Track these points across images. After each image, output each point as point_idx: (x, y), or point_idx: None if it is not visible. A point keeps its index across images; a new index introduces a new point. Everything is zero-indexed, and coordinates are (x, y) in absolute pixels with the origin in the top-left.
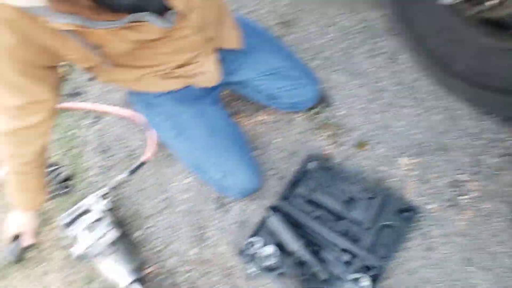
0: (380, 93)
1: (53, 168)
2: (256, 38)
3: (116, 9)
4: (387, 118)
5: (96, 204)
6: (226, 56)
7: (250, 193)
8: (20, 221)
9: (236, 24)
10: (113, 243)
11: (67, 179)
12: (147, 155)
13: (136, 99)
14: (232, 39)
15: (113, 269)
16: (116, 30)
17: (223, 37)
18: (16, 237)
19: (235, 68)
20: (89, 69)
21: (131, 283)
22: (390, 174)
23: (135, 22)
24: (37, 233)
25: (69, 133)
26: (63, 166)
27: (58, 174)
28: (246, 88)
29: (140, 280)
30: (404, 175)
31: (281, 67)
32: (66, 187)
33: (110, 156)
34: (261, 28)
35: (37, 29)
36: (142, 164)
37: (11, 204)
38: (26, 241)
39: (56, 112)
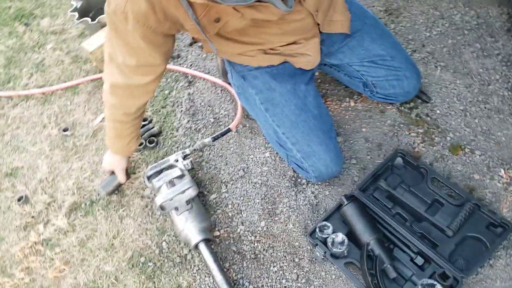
0: (487, 97)
1: (145, 122)
2: (362, 21)
3: None
4: (491, 124)
5: (179, 162)
6: (328, 37)
7: (327, 179)
8: (114, 160)
9: (346, 7)
10: (190, 201)
11: (155, 134)
12: (233, 124)
13: (231, 69)
14: (341, 24)
15: (185, 225)
16: (240, 7)
17: (332, 21)
18: (112, 173)
19: (335, 50)
20: (197, 38)
21: (200, 241)
22: (484, 184)
23: (260, 2)
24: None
25: (163, 92)
26: (154, 122)
27: (148, 129)
28: (342, 72)
29: (208, 240)
30: (502, 188)
31: (383, 56)
32: (154, 142)
33: (198, 120)
34: (369, 11)
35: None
36: (227, 132)
37: (107, 147)
38: (120, 178)
39: (163, 75)
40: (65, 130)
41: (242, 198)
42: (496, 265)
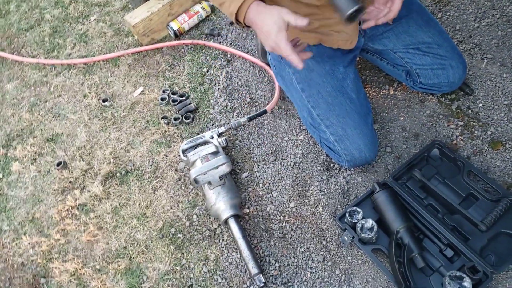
0: None
1: (182, 98)
2: (409, 7)
3: None
4: None
5: (214, 139)
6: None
7: (360, 165)
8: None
9: None
10: (223, 176)
11: (193, 110)
12: (269, 106)
13: None
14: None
15: (217, 200)
16: None
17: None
18: None
19: (378, 35)
20: None
21: (229, 217)
22: None
23: None
24: (157, 152)
25: (202, 70)
26: (191, 98)
27: (185, 105)
28: (384, 59)
29: (238, 216)
30: None
31: (429, 43)
32: (190, 117)
33: (234, 99)
34: None
35: None
36: (263, 113)
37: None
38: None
39: None
40: (104, 100)
41: (273, 178)
42: None
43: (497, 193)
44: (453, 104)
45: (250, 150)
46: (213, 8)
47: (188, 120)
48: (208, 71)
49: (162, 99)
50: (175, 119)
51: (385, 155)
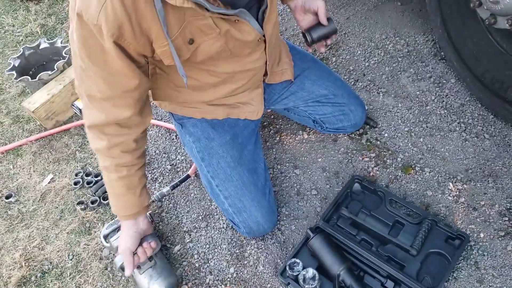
0: (427, 117)
1: (97, 178)
2: (302, 64)
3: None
4: (434, 142)
5: None
6: (268, 86)
7: (259, 236)
8: (131, 230)
9: (290, 57)
10: (152, 256)
11: None
12: (191, 170)
13: (173, 115)
14: (285, 74)
15: (149, 284)
16: (219, 21)
17: (276, 72)
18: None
19: (276, 98)
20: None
21: None
22: (437, 199)
23: (238, 17)
24: (76, 242)
25: None
26: None
27: (102, 184)
28: (290, 113)
29: None
30: (453, 201)
31: (326, 95)
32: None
33: (154, 169)
34: (307, 53)
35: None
36: (186, 179)
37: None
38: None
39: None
40: (8, 197)
41: (208, 245)
42: (460, 277)
43: (418, 215)
44: (362, 138)
45: (179, 220)
46: None
47: (107, 201)
48: None
49: (75, 184)
50: (93, 202)
51: (312, 198)
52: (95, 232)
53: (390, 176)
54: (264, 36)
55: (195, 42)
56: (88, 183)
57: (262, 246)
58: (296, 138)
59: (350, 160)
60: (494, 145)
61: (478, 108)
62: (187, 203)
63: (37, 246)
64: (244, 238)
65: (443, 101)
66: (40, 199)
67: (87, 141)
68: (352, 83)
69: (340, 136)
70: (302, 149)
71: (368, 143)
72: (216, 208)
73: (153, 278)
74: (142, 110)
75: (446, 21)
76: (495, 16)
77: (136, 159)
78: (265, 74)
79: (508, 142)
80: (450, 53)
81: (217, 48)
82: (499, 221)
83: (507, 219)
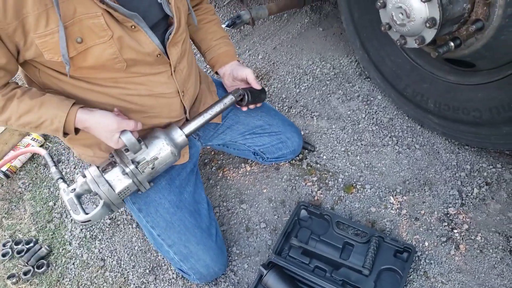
0: (360, 135)
1: (30, 245)
2: None
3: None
4: (370, 158)
5: None
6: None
7: (211, 280)
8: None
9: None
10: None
11: (45, 255)
12: None
13: None
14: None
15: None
16: (112, 24)
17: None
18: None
19: (212, 134)
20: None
21: None
22: (381, 214)
23: (134, 23)
24: None
25: (48, 204)
26: (41, 242)
27: (35, 252)
28: (230, 148)
29: None
30: (396, 214)
31: (261, 125)
32: (45, 264)
33: (93, 225)
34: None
35: None
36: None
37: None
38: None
39: None
40: None
41: None
42: None
43: (365, 234)
44: (303, 163)
45: (125, 278)
46: (46, 135)
47: (41, 269)
48: (55, 204)
49: (4, 255)
50: (25, 273)
51: (261, 232)
52: None
53: (334, 197)
54: (167, 55)
55: (84, 42)
56: (19, 252)
57: None
58: (239, 172)
59: (294, 187)
60: (425, 154)
61: (406, 121)
62: (132, 257)
63: None
64: (196, 285)
65: (373, 117)
66: None
67: (14, 205)
68: (287, 110)
69: (282, 164)
70: (247, 182)
71: (309, 167)
72: (163, 258)
73: None
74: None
75: (364, 43)
76: (404, 37)
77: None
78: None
79: (436, 149)
80: (373, 72)
81: (109, 55)
82: (439, 228)
83: (446, 224)
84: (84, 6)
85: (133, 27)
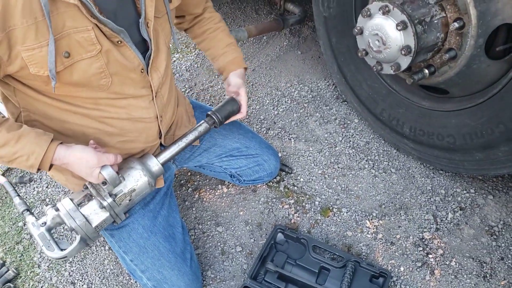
0: (337, 157)
1: None
2: None
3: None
4: (347, 181)
5: None
6: None
7: None
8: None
9: (194, 122)
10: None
11: (12, 278)
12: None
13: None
14: None
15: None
16: (102, 38)
17: (179, 136)
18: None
19: (188, 156)
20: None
21: None
22: (357, 239)
23: (121, 38)
24: None
25: (17, 225)
26: (8, 264)
27: (1, 275)
28: (206, 170)
29: None
30: (372, 238)
31: (238, 148)
32: None
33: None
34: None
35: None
36: None
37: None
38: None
39: None
40: None
41: None
42: None
43: (341, 258)
44: (280, 185)
45: None
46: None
47: None
48: (25, 225)
49: None
50: None
51: (237, 256)
52: None
53: (311, 221)
54: (149, 74)
55: (71, 56)
56: None
57: None
58: (216, 193)
59: (271, 210)
60: (400, 178)
61: (382, 145)
62: (103, 280)
63: None
64: None
65: (350, 140)
66: None
67: None
68: (265, 131)
69: (259, 186)
70: (223, 204)
71: (286, 190)
72: (136, 282)
73: None
74: None
75: (341, 67)
76: (381, 63)
77: None
78: (161, 137)
79: (412, 174)
80: (350, 96)
81: (96, 70)
82: (415, 253)
83: (421, 249)
84: (73, 21)
85: (119, 42)
